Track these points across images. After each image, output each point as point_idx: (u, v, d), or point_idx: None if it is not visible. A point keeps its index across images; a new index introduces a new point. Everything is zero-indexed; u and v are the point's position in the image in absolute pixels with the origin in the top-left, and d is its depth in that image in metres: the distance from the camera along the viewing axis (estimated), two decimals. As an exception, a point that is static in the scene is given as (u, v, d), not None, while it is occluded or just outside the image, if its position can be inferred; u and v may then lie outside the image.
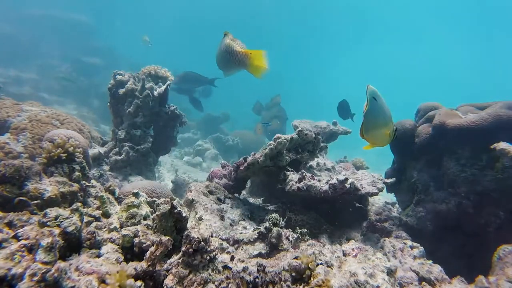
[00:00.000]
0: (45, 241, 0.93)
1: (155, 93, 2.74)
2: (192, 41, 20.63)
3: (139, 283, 0.97)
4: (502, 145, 1.60)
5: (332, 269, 1.18)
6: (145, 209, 1.38)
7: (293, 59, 23.97)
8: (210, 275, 1.05)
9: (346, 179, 1.53)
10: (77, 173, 1.67)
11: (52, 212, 1.12)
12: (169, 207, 1.20)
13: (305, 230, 1.44)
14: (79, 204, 1.20)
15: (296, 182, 1.63)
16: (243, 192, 2.11)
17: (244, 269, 1.06)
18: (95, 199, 1.71)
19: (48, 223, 1.09)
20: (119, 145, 2.65)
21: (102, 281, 0.95)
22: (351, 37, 22.87)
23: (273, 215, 1.40)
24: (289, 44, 23.11)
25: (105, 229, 1.25)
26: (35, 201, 1.37)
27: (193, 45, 20.34)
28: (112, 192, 1.59)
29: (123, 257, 1.12)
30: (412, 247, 1.66)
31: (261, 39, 21.81)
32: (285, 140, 1.68)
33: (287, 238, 1.35)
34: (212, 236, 1.31)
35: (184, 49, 19.81)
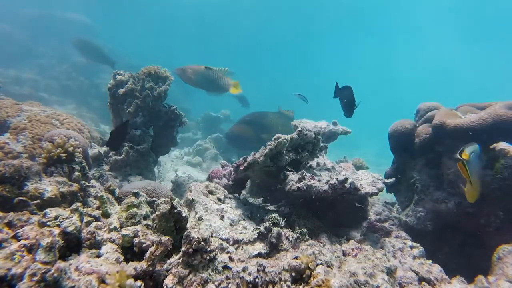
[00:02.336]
0: (45, 241, 0.93)
1: (155, 93, 2.74)
2: (192, 41, 20.64)
3: (139, 283, 0.97)
4: (501, 145, 1.60)
5: (332, 269, 1.18)
6: (145, 209, 1.38)
7: (293, 59, 24.00)
8: (210, 275, 1.05)
9: (346, 179, 1.53)
10: (77, 173, 1.67)
11: (52, 212, 1.12)
12: (169, 207, 1.20)
13: (305, 230, 1.44)
14: (79, 204, 1.20)
15: (296, 182, 1.63)
16: (243, 192, 2.11)
17: (244, 269, 1.06)
18: (95, 199, 1.72)
19: (48, 223, 1.09)
20: (119, 145, 2.65)
21: (102, 281, 0.95)
22: (351, 37, 22.87)
23: (273, 215, 1.40)
24: (289, 44, 23.11)
25: (105, 229, 1.25)
26: (35, 201, 1.37)
27: (193, 45, 20.35)
28: (112, 192, 1.59)
29: (123, 257, 1.12)
30: (412, 247, 1.66)
31: (262, 39, 21.85)
32: (285, 140, 1.68)
33: (287, 238, 1.35)
34: (212, 236, 1.31)
35: (184, 49, 19.82)
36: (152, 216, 1.33)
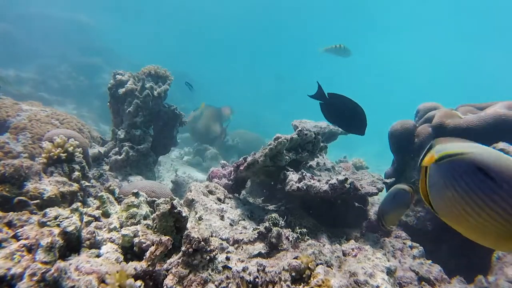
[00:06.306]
0: (45, 241, 0.93)
1: (155, 93, 2.74)
2: (192, 41, 20.64)
3: (139, 283, 0.97)
4: (501, 145, 1.60)
5: (332, 269, 1.18)
6: (145, 209, 1.38)
7: (293, 58, 23.98)
8: (210, 275, 1.05)
9: (346, 179, 1.53)
10: (77, 173, 1.67)
11: (52, 212, 1.12)
12: (169, 207, 1.20)
13: (304, 230, 1.44)
14: (79, 204, 1.20)
15: (296, 182, 1.63)
16: (243, 192, 2.11)
17: (244, 269, 1.07)
18: (95, 199, 1.72)
19: (48, 223, 1.09)
20: (119, 145, 2.65)
21: (102, 281, 0.95)
22: (351, 36, 22.86)
23: (273, 215, 1.40)
24: (288, 43, 23.11)
25: (105, 229, 1.25)
26: (35, 201, 1.37)
27: (193, 45, 20.35)
28: (112, 192, 1.59)
29: (123, 257, 1.12)
30: (411, 247, 1.66)
31: (262, 38, 21.85)
32: (285, 140, 1.68)
33: (287, 238, 1.35)
34: (212, 236, 1.31)
35: (184, 49, 19.82)
36: (152, 216, 1.33)
